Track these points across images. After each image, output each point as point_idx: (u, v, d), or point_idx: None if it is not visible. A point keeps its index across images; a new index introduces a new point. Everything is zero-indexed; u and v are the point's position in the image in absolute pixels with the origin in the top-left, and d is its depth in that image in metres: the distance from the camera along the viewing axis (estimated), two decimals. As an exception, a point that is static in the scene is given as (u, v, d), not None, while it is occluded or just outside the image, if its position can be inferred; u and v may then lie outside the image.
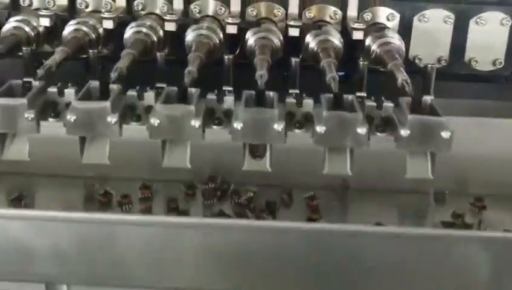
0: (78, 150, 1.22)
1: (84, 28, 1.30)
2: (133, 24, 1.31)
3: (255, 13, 1.36)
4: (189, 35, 1.30)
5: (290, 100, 1.23)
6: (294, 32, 1.29)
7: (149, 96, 1.24)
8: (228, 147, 1.19)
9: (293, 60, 1.25)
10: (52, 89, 1.24)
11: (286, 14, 1.36)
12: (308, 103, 1.23)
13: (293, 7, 1.34)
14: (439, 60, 1.38)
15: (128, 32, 1.30)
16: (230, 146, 1.19)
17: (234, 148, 1.20)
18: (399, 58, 1.23)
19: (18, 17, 1.32)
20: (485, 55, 1.39)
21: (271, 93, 1.24)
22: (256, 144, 1.22)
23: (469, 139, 1.23)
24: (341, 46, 1.29)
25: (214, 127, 1.20)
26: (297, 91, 1.26)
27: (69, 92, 1.24)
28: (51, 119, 1.20)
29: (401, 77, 1.14)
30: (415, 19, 1.37)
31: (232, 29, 1.30)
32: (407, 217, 1.22)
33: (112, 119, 1.15)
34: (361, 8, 1.36)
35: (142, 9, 1.38)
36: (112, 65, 1.16)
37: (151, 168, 1.22)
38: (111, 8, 1.36)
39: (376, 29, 1.34)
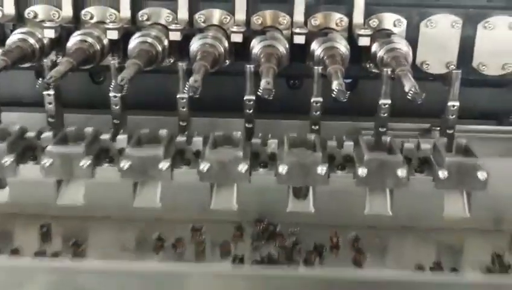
0: (130, 194, 1.24)
1: (89, 39, 1.30)
2: (137, 34, 1.31)
3: (260, 21, 1.36)
4: (194, 44, 1.30)
5: (332, 143, 1.24)
6: (300, 39, 1.29)
7: (197, 141, 1.25)
8: (273, 189, 1.22)
9: (316, 68, 1.25)
10: (105, 136, 1.25)
11: (292, 22, 1.35)
12: (348, 145, 1.24)
13: (299, 15, 1.34)
14: (447, 66, 1.37)
15: (133, 43, 1.30)
16: (275, 188, 1.22)
17: (279, 189, 1.23)
18: (406, 64, 1.22)
19: (23, 29, 1.33)
20: (493, 60, 1.38)
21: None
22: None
23: (504, 179, 1.23)
24: (347, 53, 1.29)
25: (260, 170, 1.21)
26: (320, 99, 1.26)
27: (122, 139, 1.24)
28: (105, 165, 1.21)
29: (409, 83, 1.14)
30: (422, 24, 1.36)
31: (237, 38, 1.30)
32: (446, 255, 1.21)
33: (164, 165, 1.17)
34: (368, 15, 1.35)
35: (147, 20, 1.38)
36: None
37: (200, 210, 1.24)
38: (115, 18, 1.36)
39: (383, 35, 1.33)
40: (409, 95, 1.12)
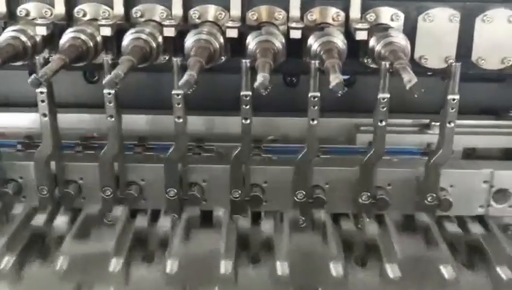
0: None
1: (82, 36, 1.27)
2: (131, 31, 1.28)
3: (255, 17, 1.34)
4: (189, 40, 1.28)
5: (348, 225, 1.14)
6: (296, 34, 1.27)
7: (163, 227, 1.13)
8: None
9: (313, 62, 1.22)
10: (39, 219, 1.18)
11: (288, 17, 1.33)
12: (371, 228, 1.13)
13: (295, 10, 1.32)
14: (445, 60, 1.35)
15: (127, 39, 1.28)
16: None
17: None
18: (404, 58, 1.20)
19: (14, 27, 1.30)
20: (493, 54, 1.36)
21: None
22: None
23: None
24: (345, 48, 1.27)
25: (250, 267, 1.04)
26: (317, 94, 1.23)
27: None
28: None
29: (408, 75, 1.11)
30: (420, 18, 1.34)
31: (232, 33, 1.27)
32: None
33: (116, 265, 0.99)
34: (364, 9, 1.33)
35: (141, 17, 1.35)
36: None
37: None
38: (109, 15, 1.34)
39: (380, 29, 1.31)
40: (408, 87, 1.09)
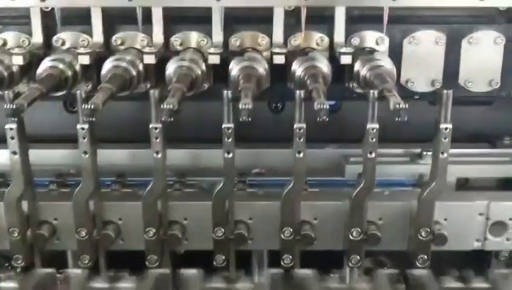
0: None
1: (60, 65, 1.23)
2: (111, 58, 1.24)
3: (238, 43, 1.29)
4: (170, 68, 1.23)
5: None
6: (279, 59, 1.22)
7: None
8: None
9: (298, 92, 1.16)
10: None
11: (271, 42, 1.29)
12: None
13: (278, 35, 1.27)
14: (432, 84, 1.31)
15: (106, 67, 1.23)
16: None
17: None
18: (390, 81, 1.16)
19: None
20: (480, 76, 1.32)
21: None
22: None
23: None
24: (329, 73, 1.23)
25: None
26: (303, 125, 1.17)
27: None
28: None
29: (394, 100, 1.06)
30: (405, 41, 1.30)
31: (214, 60, 1.23)
32: None
33: None
34: (349, 33, 1.29)
35: (121, 44, 1.30)
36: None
37: None
38: (88, 44, 1.29)
39: (365, 53, 1.27)
40: (394, 111, 1.04)
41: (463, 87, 1.32)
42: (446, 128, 1.18)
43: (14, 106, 1.07)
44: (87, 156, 1.20)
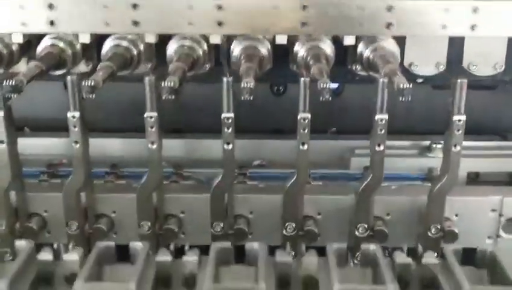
0: None
1: (60, 44, 1.18)
2: (112, 37, 1.18)
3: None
4: (171, 47, 1.18)
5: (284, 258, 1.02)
6: (281, 39, 1.16)
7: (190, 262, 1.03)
8: None
9: (302, 79, 1.10)
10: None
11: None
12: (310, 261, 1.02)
13: None
14: (436, 66, 1.25)
15: (107, 46, 1.17)
16: None
17: None
18: (394, 62, 1.11)
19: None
20: (484, 59, 1.25)
21: (254, 246, 1.06)
22: None
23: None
24: (332, 55, 1.17)
25: None
26: (308, 115, 1.11)
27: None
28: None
29: (398, 80, 1.02)
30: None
31: (215, 39, 1.16)
32: None
33: None
34: None
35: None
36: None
37: None
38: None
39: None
40: (398, 91, 1.00)
41: (467, 70, 1.26)
42: (459, 120, 1.11)
43: (13, 83, 1.03)
44: (78, 145, 1.14)
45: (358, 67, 1.23)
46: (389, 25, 1.11)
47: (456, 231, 1.20)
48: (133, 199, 1.20)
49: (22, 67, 1.20)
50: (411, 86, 1.00)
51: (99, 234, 1.20)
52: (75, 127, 1.13)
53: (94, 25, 1.12)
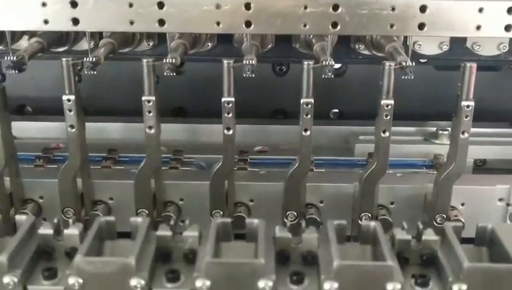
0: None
1: None
2: None
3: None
4: None
5: (283, 234, 0.98)
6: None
7: (190, 237, 0.98)
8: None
9: (305, 63, 1.05)
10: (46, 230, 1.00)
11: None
12: (310, 237, 0.97)
13: None
14: (439, 46, 1.22)
15: None
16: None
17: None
18: (397, 40, 1.10)
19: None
20: (488, 39, 1.22)
21: (254, 222, 1.00)
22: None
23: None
24: None
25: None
26: (311, 100, 1.07)
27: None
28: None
29: (401, 58, 1.02)
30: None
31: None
32: None
33: (139, 282, 0.89)
34: None
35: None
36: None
37: None
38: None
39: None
40: (400, 69, 1.01)
41: (470, 50, 1.23)
42: (468, 106, 1.07)
43: (15, 58, 1.02)
44: (73, 130, 1.10)
45: (362, 46, 1.21)
46: (421, 26, 1.07)
47: (463, 220, 1.16)
48: (130, 186, 1.16)
49: (24, 44, 1.16)
50: (414, 64, 1.00)
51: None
52: (70, 111, 1.09)
53: (118, 24, 1.06)
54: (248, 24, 1.05)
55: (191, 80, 1.48)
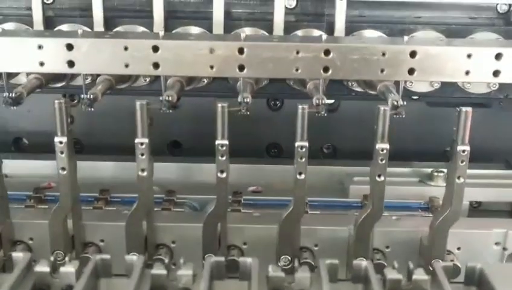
0: None
1: None
2: None
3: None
4: None
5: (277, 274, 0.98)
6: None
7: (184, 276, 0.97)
8: None
9: (300, 107, 1.05)
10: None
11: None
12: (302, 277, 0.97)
13: (278, 32, 1.22)
14: (431, 84, 1.24)
15: None
16: None
17: None
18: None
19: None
20: None
21: (248, 261, 1.01)
22: None
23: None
24: None
25: None
26: (306, 144, 1.06)
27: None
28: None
29: (392, 97, 1.04)
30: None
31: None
32: None
33: None
34: (349, 32, 1.22)
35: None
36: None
37: None
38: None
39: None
40: (392, 108, 1.02)
41: (461, 88, 1.25)
42: (464, 151, 1.06)
43: (14, 95, 1.03)
44: (65, 172, 1.09)
45: (354, 83, 1.22)
46: (411, 71, 1.08)
47: (459, 265, 1.15)
48: (122, 228, 1.14)
49: (22, 79, 1.17)
50: (405, 103, 1.02)
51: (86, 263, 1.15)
52: (62, 153, 1.07)
53: (114, 67, 1.08)
54: (241, 68, 1.06)
55: (186, 115, 1.48)
